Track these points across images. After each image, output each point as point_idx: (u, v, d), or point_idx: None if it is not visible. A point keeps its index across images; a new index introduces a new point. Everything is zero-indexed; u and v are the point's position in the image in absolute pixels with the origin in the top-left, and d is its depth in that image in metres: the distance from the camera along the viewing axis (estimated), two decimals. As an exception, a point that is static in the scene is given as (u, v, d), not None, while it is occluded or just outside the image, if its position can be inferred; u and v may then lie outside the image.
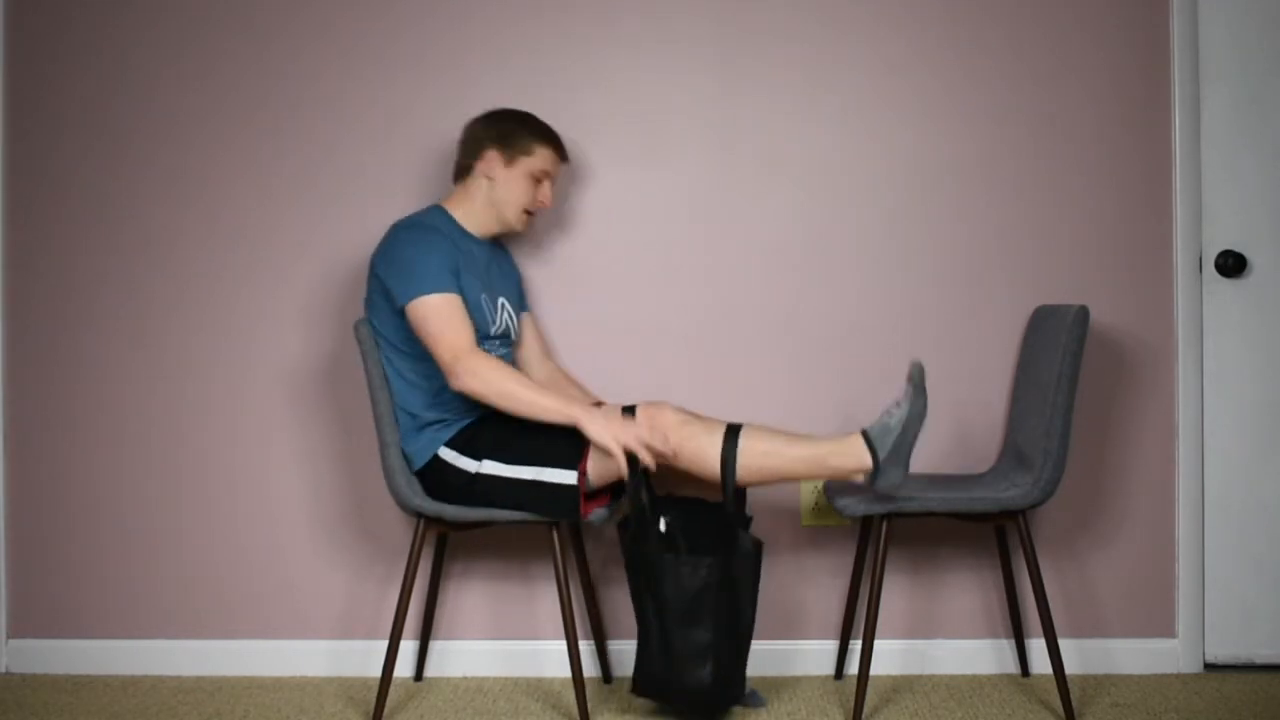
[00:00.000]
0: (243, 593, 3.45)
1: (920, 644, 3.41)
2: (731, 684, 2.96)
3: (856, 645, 3.41)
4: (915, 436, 2.86)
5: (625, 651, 3.39)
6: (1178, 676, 3.36)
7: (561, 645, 3.40)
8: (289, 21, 3.44)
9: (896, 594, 3.41)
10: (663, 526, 2.93)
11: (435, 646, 3.43)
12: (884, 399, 3.40)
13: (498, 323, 3.13)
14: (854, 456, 2.89)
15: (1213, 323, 3.39)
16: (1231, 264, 3.36)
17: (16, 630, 3.48)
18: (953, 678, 3.37)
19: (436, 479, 3.05)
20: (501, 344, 3.16)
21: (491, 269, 3.18)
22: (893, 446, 2.86)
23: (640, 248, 3.42)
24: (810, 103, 3.41)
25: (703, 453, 2.92)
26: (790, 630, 3.42)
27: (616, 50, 3.42)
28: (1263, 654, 3.40)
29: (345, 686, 3.35)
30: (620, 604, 3.42)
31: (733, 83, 3.41)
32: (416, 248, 3.01)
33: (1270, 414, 3.39)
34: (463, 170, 3.17)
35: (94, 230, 3.46)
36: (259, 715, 3.13)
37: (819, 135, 3.41)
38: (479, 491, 3.01)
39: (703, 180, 3.42)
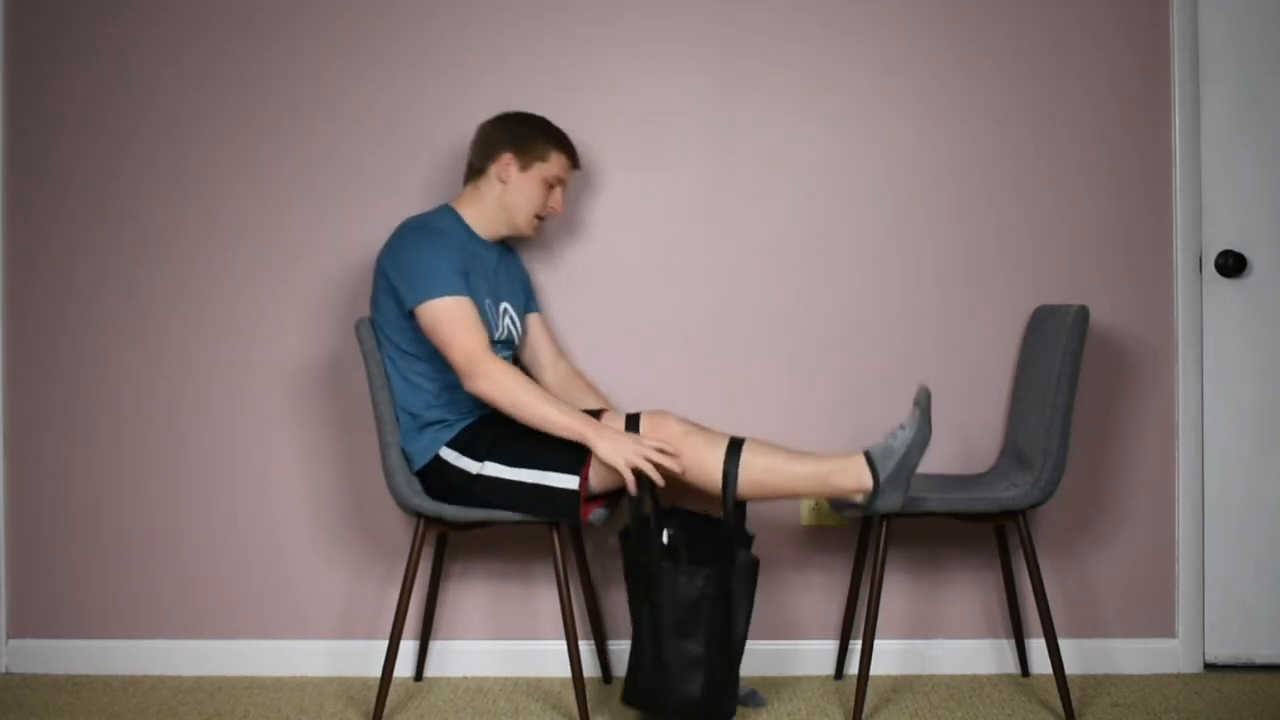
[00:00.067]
0: (243, 593, 3.45)
1: (920, 644, 3.41)
2: (722, 699, 2.94)
3: (856, 645, 3.41)
4: (917, 462, 2.86)
5: (625, 651, 3.38)
6: (1178, 676, 3.36)
7: (561, 645, 3.40)
8: (289, 21, 3.44)
9: (896, 594, 3.42)
10: (665, 538, 2.92)
11: (435, 646, 3.43)
12: (884, 399, 3.40)
13: (500, 329, 3.13)
14: (855, 476, 2.89)
15: (1213, 323, 3.39)
16: (1231, 264, 3.36)
17: (16, 630, 3.48)
18: (953, 678, 3.37)
19: (437, 479, 3.05)
20: (503, 349, 3.16)
21: (498, 273, 3.18)
22: (894, 469, 2.86)
23: (640, 248, 3.42)
24: (810, 103, 3.41)
25: (704, 465, 2.91)
26: (790, 630, 3.42)
27: (616, 50, 3.42)
28: (1263, 654, 3.40)
29: (345, 686, 3.35)
30: (620, 604, 3.42)
31: (733, 83, 3.41)
32: (426, 249, 3.00)
33: (1270, 414, 3.39)
34: (475, 172, 3.16)
35: (94, 230, 3.46)
36: (259, 715, 3.13)
37: (819, 135, 3.42)
38: (479, 492, 3.01)
39: (703, 180, 3.42)
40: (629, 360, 3.41)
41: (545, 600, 3.43)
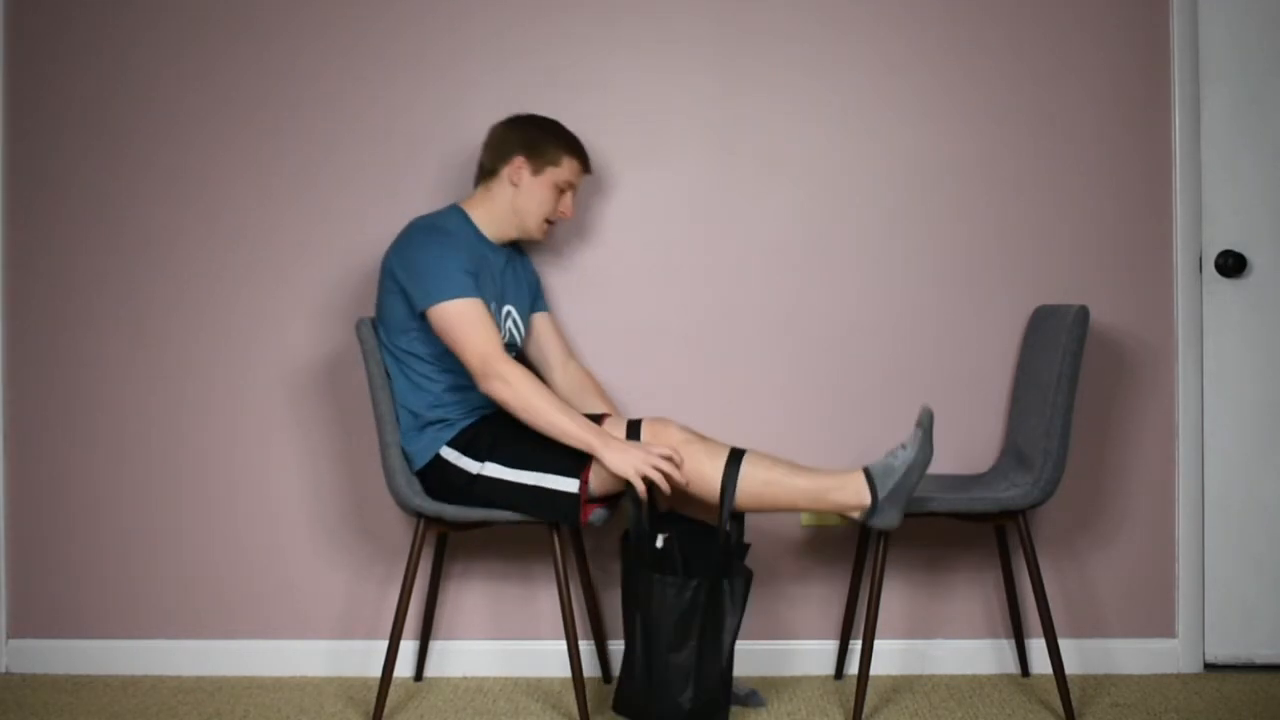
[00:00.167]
0: (243, 593, 3.45)
1: (920, 644, 3.41)
2: (713, 710, 2.92)
3: (856, 645, 3.41)
4: (917, 482, 2.86)
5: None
6: (1178, 676, 3.36)
7: (561, 645, 3.40)
8: (289, 21, 3.44)
9: (896, 594, 3.42)
10: (659, 543, 2.92)
11: (435, 646, 3.43)
12: (884, 399, 3.40)
13: (502, 332, 3.13)
14: (854, 493, 2.89)
15: (1213, 323, 3.39)
16: (1231, 264, 3.36)
17: (16, 630, 3.48)
18: (953, 678, 3.37)
19: (437, 478, 3.05)
20: (508, 353, 3.15)
21: (504, 276, 3.17)
22: (893, 488, 2.86)
23: (640, 248, 3.42)
24: (810, 103, 3.41)
25: (703, 474, 2.91)
26: (790, 630, 3.42)
27: (617, 50, 3.42)
28: (1263, 654, 3.40)
29: (345, 686, 3.35)
30: (620, 604, 3.42)
31: (733, 83, 3.41)
32: (435, 249, 3.00)
33: (1270, 414, 3.39)
34: (487, 173, 3.16)
35: (94, 230, 3.46)
36: (259, 715, 3.13)
37: (819, 135, 3.41)
38: (479, 492, 3.01)
39: (703, 180, 3.42)
40: (629, 360, 3.41)
41: (545, 600, 3.43)
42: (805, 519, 3.39)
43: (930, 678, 3.37)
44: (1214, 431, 3.40)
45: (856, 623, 3.41)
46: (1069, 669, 3.38)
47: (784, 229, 3.41)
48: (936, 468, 3.39)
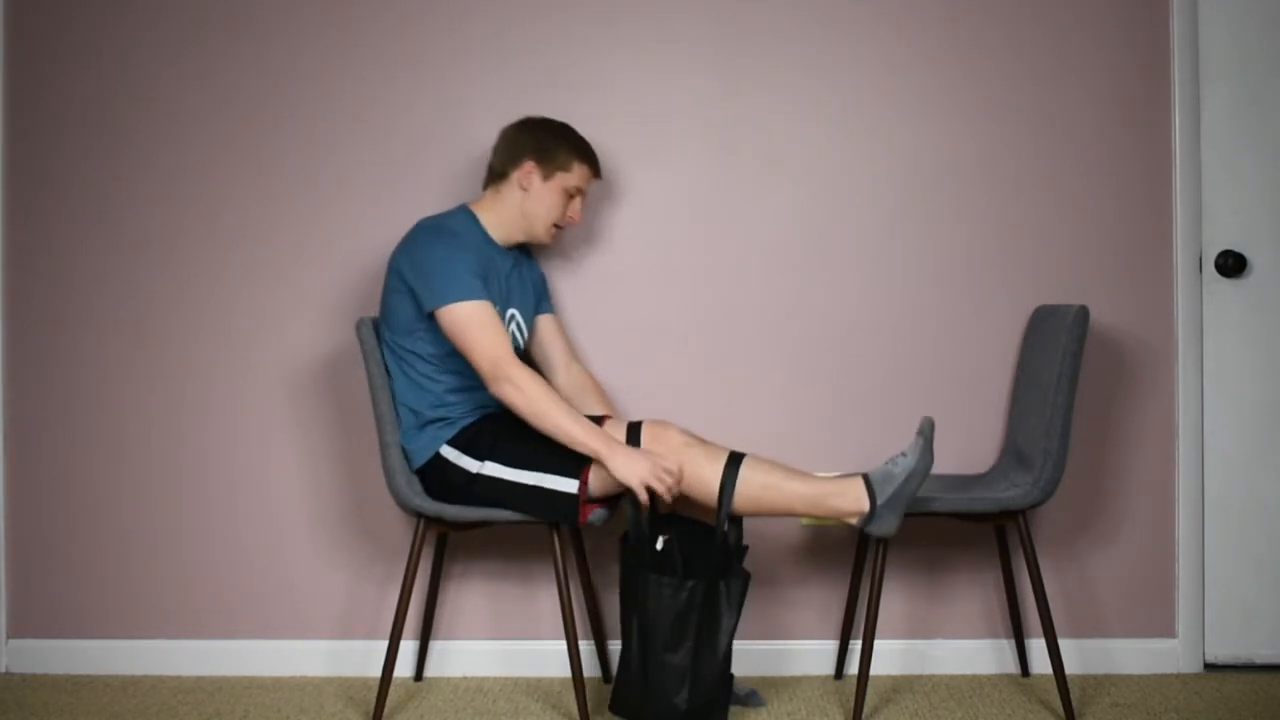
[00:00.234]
0: (243, 593, 3.45)
1: (920, 644, 3.41)
2: (710, 711, 2.92)
3: (856, 645, 3.41)
4: (916, 489, 2.86)
5: (625, 651, 3.39)
6: (1178, 676, 3.36)
7: (561, 645, 3.40)
8: (289, 21, 3.44)
9: (896, 594, 3.41)
10: (660, 544, 2.92)
11: (435, 646, 3.43)
12: (883, 399, 3.40)
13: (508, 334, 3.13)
14: (852, 499, 2.89)
15: (1213, 323, 3.39)
16: (1231, 264, 3.36)
17: (16, 630, 3.48)
18: (953, 678, 3.37)
19: (437, 477, 3.05)
20: None
21: (510, 279, 3.17)
22: (892, 494, 2.86)
23: (640, 247, 3.42)
24: (810, 103, 3.41)
25: (702, 477, 2.92)
26: (790, 630, 3.42)
27: (617, 50, 3.42)
28: (1263, 654, 3.40)
29: (345, 686, 3.35)
30: (619, 604, 3.41)
31: (733, 83, 3.41)
32: (443, 250, 3.00)
33: (1270, 414, 3.39)
34: (497, 176, 3.16)
35: (94, 230, 3.46)
36: (259, 715, 3.13)
37: (819, 135, 3.41)
38: (479, 492, 3.01)
39: (703, 180, 3.42)
40: (628, 359, 3.41)
41: (545, 600, 3.43)
42: (805, 520, 3.39)
43: (930, 678, 3.37)
44: (1214, 431, 3.40)
45: (856, 623, 3.41)
46: (1069, 669, 3.38)
47: (784, 229, 3.41)
48: (937, 467, 3.39)
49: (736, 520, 2.97)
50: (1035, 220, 3.40)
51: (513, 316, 3.16)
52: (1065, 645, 3.37)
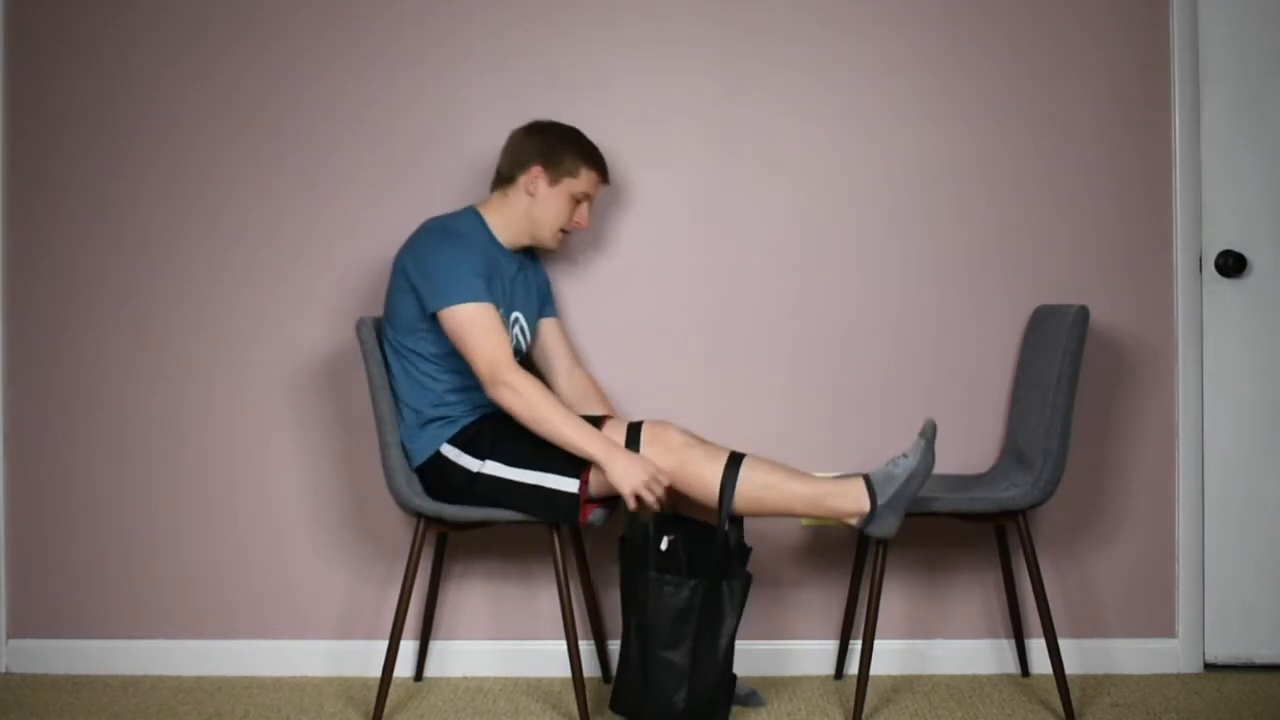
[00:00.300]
0: (243, 593, 3.45)
1: (920, 644, 3.41)
2: (710, 711, 2.92)
3: (856, 645, 3.41)
4: (916, 490, 2.86)
5: (625, 651, 3.39)
6: (1178, 676, 3.36)
7: (561, 645, 3.40)
8: (289, 21, 3.43)
9: (896, 594, 3.41)
10: (664, 545, 2.92)
11: (435, 646, 3.43)
12: (883, 399, 3.40)
13: (509, 337, 3.13)
14: (853, 499, 2.89)
15: (1213, 323, 3.39)
16: (1231, 264, 3.36)
17: (16, 630, 3.48)
18: (953, 678, 3.37)
19: (437, 476, 3.05)
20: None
21: (515, 282, 3.17)
22: (893, 495, 2.86)
23: (640, 248, 3.42)
24: (810, 103, 3.41)
25: (701, 477, 2.92)
26: (790, 630, 3.42)
27: (617, 50, 3.42)
28: (1263, 654, 3.40)
29: (345, 686, 3.35)
30: (620, 604, 3.41)
31: (733, 83, 3.41)
32: (448, 251, 3.00)
33: (1270, 414, 3.39)
34: (504, 180, 3.15)
35: (94, 230, 3.46)
36: (259, 715, 3.13)
37: (819, 135, 3.41)
38: (480, 491, 3.01)
39: (703, 180, 3.42)
40: (628, 359, 3.41)
41: (545, 600, 3.43)
42: (805, 520, 3.38)
43: (930, 678, 3.37)
44: (1214, 431, 3.40)
45: (856, 623, 3.40)
46: (1069, 669, 3.38)
47: (784, 229, 3.41)
48: (937, 467, 3.39)
49: (737, 521, 2.97)
50: (1035, 220, 3.40)
51: (516, 320, 3.16)
52: (1065, 645, 3.37)
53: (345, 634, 3.44)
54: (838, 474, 3.31)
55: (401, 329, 3.07)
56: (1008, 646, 3.40)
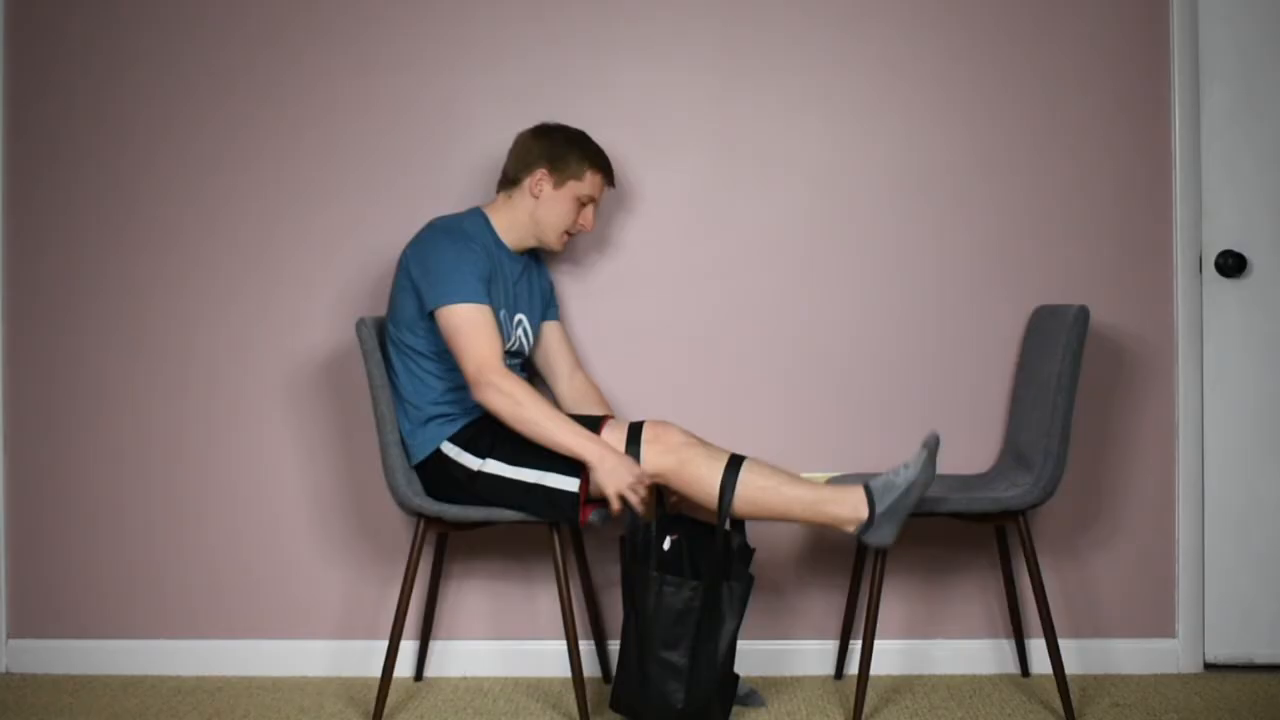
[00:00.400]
0: (243, 593, 3.45)
1: (920, 644, 3.41)
2: (708, 712, 2.92)
3: (856, 645, 3.41)
4: (916, 501, 2.86)
5: (625, 651, 3.39)
6: (1178, 676, 3.36)
7: (561, 645, 3.40)
8: (289, 22, 3.43)
9: (896, 594, 3.41)
10: (667, 545, 2.93)
11: (435, 646, 3.43)
12: (884, 399, 3.40)
13: (511, 339, 3.13)
14: (851, 506, 2.89)
15: (1213, 323, 3.39)
16: (1231, 264, 3.36)
17: (16, 630, 3.48)
18: (953, 678, 3.37)
19: (438, 474, 3.06)
20: (513, 359, 3.16)
21: (519, 284, 3.18)
22: (892, 504, 2.86)
23: (640, 248, 3.42)
24: (810, 103, 3.41)
25: (701, 477, 2.92)
26: (790, 630, 3.42)
27: (617, 50, 3.42)
28: (1263, 654, 3.40)
29: (345, 686, 3.35)
30: (620, 604, 3.41)
31: (733, 83, 3.41)
32: (451, 251, 3.01)
33: (1270, 414, 3.39)
34: (509, 182, 3.16)
35: (94, 231, 3.46)
36: (259, 715, 3.13)
37: (819, 135, 3.41)
38: (480, 489, 3.01)
39: (703, 180, 3.42)
40: (628, 360, 3.41)
41: (545, 600, 3.43)
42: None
43: (930, 678, 3.37)
44: (1214, 431, 3.39)
45: (856, 623, 3.40)
46: (1069, 669, 3.38)
47: (784, 229, 3.41)
48: (937, 467, 3.38)
49: (740, 523, 2.97)
50: (1035, 220, 3.40)
51: (520, 322, 3.16)
52: (1065, 645, 3.37)
53: (345, 634, 3.44)
54: (838, 473, 3.32)
55: (403, 326, 3.07)
56: (1008, 646, 3.40)
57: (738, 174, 3.41)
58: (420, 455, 3.07)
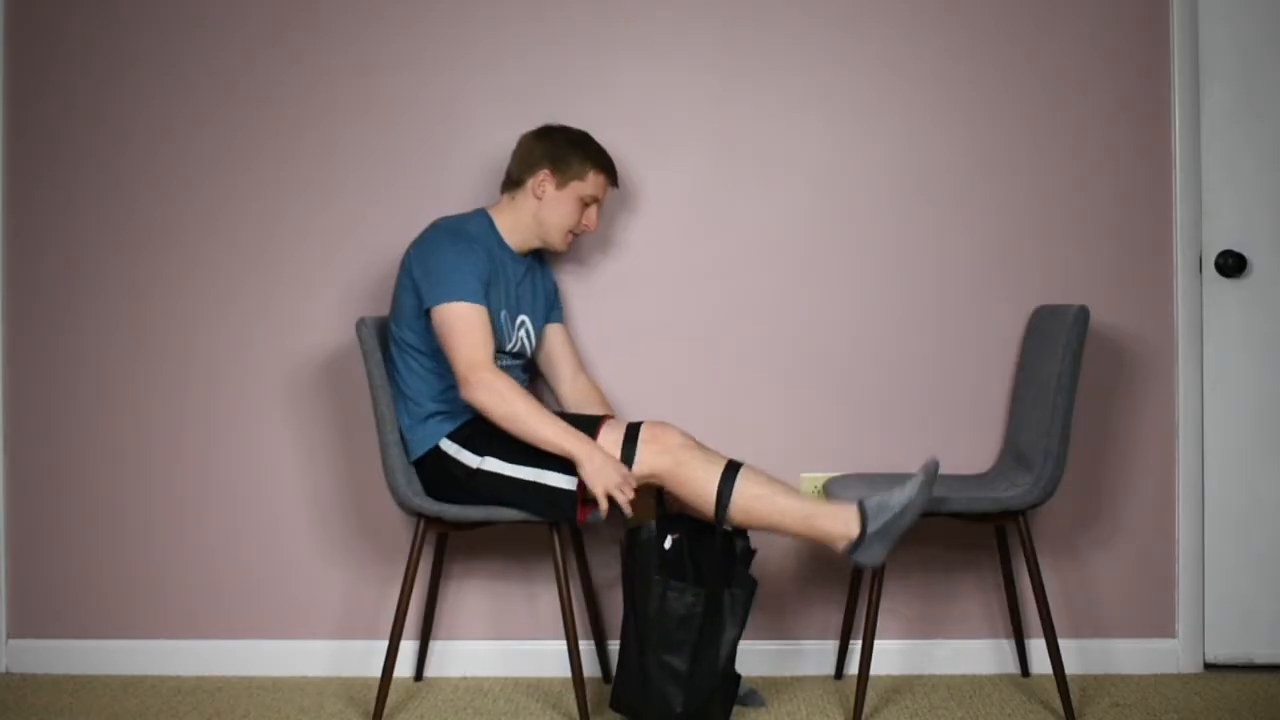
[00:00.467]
0: (243, 593, 3.45)
1: (920, 644, 3.41)
2: (708, 715, 2.92)
3: (856, 645, 3.41)
4: (909, 524, 2.85)
5: (625, 651, 3.39)
6: (1178, 676, 3.36)
7: (561, 645, 3.40)
8: (289, 22, 3.43)
9: (896, 594, 3.41)
10: (668, 544, 2.93)
11: (435, 646, 3.43)
12: (883, 399, 3.40)
13: (513, 341, 3.14)
14: (843, 522, 2.89)
15: (1213, 323, 3.39)
16: (1231, 264, 3.36)
17: (16, 630, 3.48)
18: (953, 678, 3.37)
19: (437, 471, 3.06)
20: (513, 361, 3.16)
21: (522, 286, 3.18)
22: (885, 524, 2.85)
23: (639, 248, 3.42)
24: (811, 103, 3.41)
25: (696, 481, 2.92)
26: (790, 630, 3.42)
27: (616, 50, 3.42)
28: (1263, 654, 3.40)
29: (345, 686, 3.35)
30: (620, 604, 3.41)
31: (733, 83, 3.41)
32: (452, 252, 3.02)
33: (1270, 414, 3.39)
34: (513, 183, 3.17)
35: (94, 231, 3.46)
36: (259, 715, 3.13)
37: (819, 135, 3.41)
38: (479, 487, 3.01)
39: (703, 180, 3.42)
40: (628, 360, 3.41)
41: (545, 600, 3.43)
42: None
43: (930, 678, 3.37)
44: (1214, 431, 3.40)
45: (857, 623, 3.40)
46: (1069, 669, 3.38)
47: (784, 229, 3.41)
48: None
49: (738, 530, 2.98)
50: (1035, 220, 3.40)
51: (522, 323, 3.17)
52: (1065, 645, 3.37)
53: (345, 634, 3.44)
54: (838, 472, 3.32)
55: (404, 323, 3.08)
56: (1008, 646, 3.40)
57: (738, 174, 3.41)
58: (419, 451, 3.07)
